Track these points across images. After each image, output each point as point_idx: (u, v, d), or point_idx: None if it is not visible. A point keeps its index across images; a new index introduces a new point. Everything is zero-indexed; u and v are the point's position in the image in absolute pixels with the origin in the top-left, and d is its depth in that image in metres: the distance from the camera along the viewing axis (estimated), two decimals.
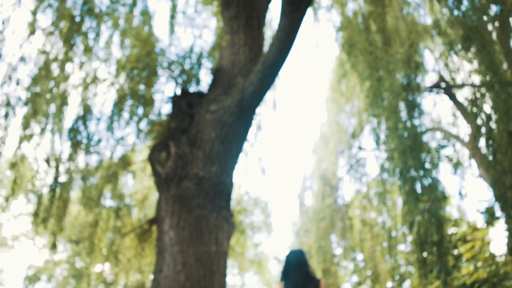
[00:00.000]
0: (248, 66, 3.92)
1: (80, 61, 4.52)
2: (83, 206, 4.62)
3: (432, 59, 11.17)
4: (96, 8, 4.60)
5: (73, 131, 4.21)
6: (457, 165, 10.30)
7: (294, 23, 3.38)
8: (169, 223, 3.26)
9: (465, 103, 7.35)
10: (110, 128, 4.20)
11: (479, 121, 5.58)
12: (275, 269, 17.20)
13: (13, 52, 4.25)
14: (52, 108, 4.30)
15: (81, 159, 4.38)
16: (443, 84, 10.15)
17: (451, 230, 8.86)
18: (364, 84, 6.77)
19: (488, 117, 5.52)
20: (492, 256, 6.94)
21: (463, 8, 5.89)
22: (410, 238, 6.98)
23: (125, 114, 4.19)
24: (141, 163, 4.89)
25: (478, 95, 5.78)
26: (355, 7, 7.23)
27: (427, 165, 6.25)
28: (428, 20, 7.89)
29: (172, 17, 5.15)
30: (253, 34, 4.13)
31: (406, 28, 6.65)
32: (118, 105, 4.18)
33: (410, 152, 6.07)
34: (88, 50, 4.53)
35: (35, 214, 4.16)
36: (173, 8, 5.25)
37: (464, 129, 13.92)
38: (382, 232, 10.47)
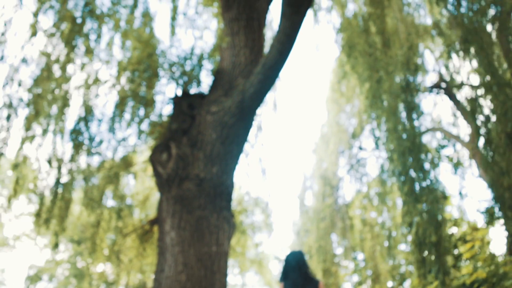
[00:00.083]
0: (249, 68, 3.94)
1: (82, 63, 4.54)
2: (85, 207, 4.65)
3: (432, 59, 11.19)
4: (97, 9, 4.63)
5: (75, 132, 4.24)
6: (457, 165, 10.32)
7: (294, 25, 3.40)
8: (170, 224, 3.29)
9: (465, 104, 7.36)
10: (111, 129, 4.22)
11: (477, 122, 5.60)
12: (276, 268, 17.23)
13: (15, 54, 4.28)
14: (54, 109, 4.33)
15: (83, 160, 4.41)
16: (443, 84, 10.17)
17: (451, 230, 8.87)
18: (364, 86, 6.80)
19: (487, 118, 5.54)
20: (492, 256, 6.96)
21: (462, 9, 5.90)
22: (410, 238, 7.00)
23: (127, 115, 4.21)
24: (142, 164, 4.91)
25: (477, 96, 5.79)
26: (355, 8, 7.25)
27: (427, 166, 6.28)
28: (428, 21, 7.91)
29: (173, 18, 5.17)
30: (253, 35, 4.15)
31: (405, 29, 6.68)
32: (120, 107, 4.20)
33: (409, 153, 6.09)
34: (89, 51, 4.56)
35: (37, 215, 4.19)
36: (174, 10, 5.27)
37: (464, 129, 13.93)
38: (382, 232, 10.50)
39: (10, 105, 4.12)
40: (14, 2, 4.44)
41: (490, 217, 8.31)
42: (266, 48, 4.58)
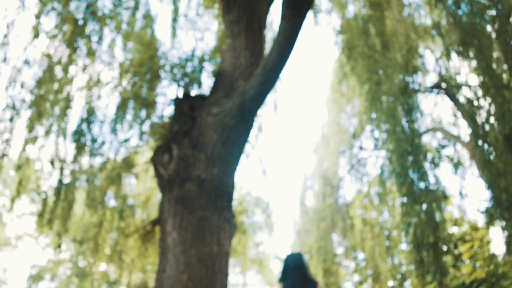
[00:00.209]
0: (249, 70, 3.97)
1: (84, 64, 4.58)
2: (87, 207, 4.68)
3: (433, 59, 11.20)
4: (99, 11, 4.66)
5: (77, 133, 4.27)
6: (457, 165, 10.33)
7: (294, 27, 3.43)
8: (171, 224, 3.32)
9: (465, 104, 7.38)
10: (113, 130, 4.25)
11: (476, 124, 5.63)
12: (276, 268, 17.26)
13: (17, 55, 4.32)
14: (57, 110, 4.37)
15: (85, 161, 4.44)
16: (443, 85, 10.19)
17: (451, 229, 8.90)
18: (363, 87, 6.83)
19: (485, 120, 5.57)
20: (491, 256, 6.98)
21: (461, 11, 5.92)
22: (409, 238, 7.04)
23: (128, 117, 4.24)
24: (144, 165, 4.94)
25: (475, 97, 5.82)
26: (354, 10, 7.27)
27: (426, 167, 6.31)
28: (428, 21, 7.93)
29: (174, 20, 5.21)
30: (254, 37, 4.18)
31: (404, 31, 6.70)
32: (121, 108, 4.23)
33: (408, 154, 6.12)
34: (91, 53, 4.59)
35: (40, 215, 4.22)
36: (175, 11, 5.31)
37: (464, 130, 13.94)
38: (383, 231, 10.52)
39: (13, 107, 4.16)
40: (17, 4, 4.48)
41: (490, 217, 8.33)
42: (267, 50, 4.61)
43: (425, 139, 10.96)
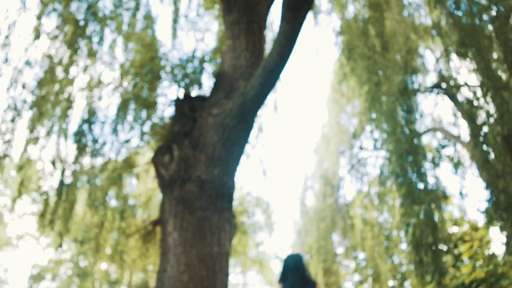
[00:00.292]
0: (249, 71, 3.98)
1: (85, 65, 4.59)
2: (89, 207, 4.70)
3: (433, 59, 11.21)
4: (100, 12, 4.67)
5: (79, 134, 4.29)
6: (457, 165, 10.34)
7: (294, 28, 3.45)
8: (172, 225, 3.34)
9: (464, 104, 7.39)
10: (114, 131, 4.26)
11: (475, 124, 5.64)
12: (277, 268, 17.29)
13: (18, 56, 4.34)
14: (58, 111, 4.38)
15: (86, 161, 4.46)
16: (443, 85, 10.19)
17: (451, 229, 8.91)
18: (363, 88, 6.84)
19: (484, 121, 5.58)
20: (491, 256, 7.00)
21: (461, 11, 5.93)
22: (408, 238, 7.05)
23: (129, 117, 4.25)
24: (144, 166, 4.95)
25: (474, 97, 5.84)
26: (354, 11, 7.28)
27: (426, 167, 6.33)
28: (428, 21, 7.94)
29: (175, 21, 5.22)
30: (254, 38, 4.19)
31: (404, 32, 6.72)
32: (122, 109, 4.24)
33: (407, 155, 6.14)
34: (92, 54, 4.61)
35: (42, 216, 4.24)
36: (176, 12, 5.33)
37: (465, 130, 13.95)
38: (383, 231, 10.54)
39: (14, 107, 4.18)
40: (18, 5, 4.49)
41: (490, 217, 8.34)
42: (267, 51, 4.63)
43: (425, 139, 10.98)
